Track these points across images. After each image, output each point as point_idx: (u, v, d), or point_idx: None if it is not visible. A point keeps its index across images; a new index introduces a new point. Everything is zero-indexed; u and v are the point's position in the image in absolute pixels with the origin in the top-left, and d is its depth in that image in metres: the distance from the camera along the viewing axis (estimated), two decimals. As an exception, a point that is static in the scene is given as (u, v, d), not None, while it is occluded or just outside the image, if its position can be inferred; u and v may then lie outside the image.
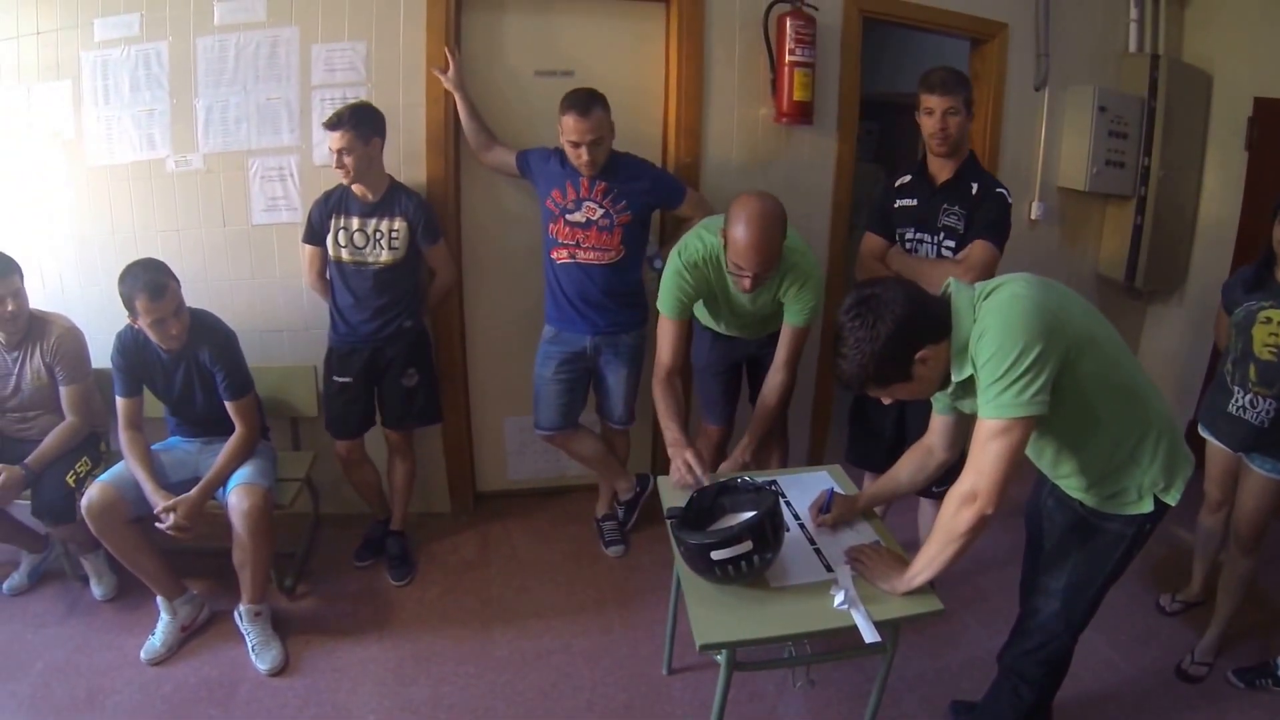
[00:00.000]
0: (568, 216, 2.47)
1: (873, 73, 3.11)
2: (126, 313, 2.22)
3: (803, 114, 2.82)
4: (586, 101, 2.31)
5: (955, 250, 2.26)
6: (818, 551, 1.69)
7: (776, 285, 2.15)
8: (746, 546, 1.51)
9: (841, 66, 2.89)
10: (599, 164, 2.40)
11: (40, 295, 2.56)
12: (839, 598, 1.54)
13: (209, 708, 2.22)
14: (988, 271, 2.15)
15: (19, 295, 2.43)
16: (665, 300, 2.20)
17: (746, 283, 1.99)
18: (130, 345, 2.33)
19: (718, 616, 1.52)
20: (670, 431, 2.09)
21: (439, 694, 2.21)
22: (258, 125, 2.62)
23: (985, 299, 1.42)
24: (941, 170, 2.29)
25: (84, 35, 2.68)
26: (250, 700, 2.23)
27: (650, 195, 2.51)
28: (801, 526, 1.79)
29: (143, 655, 2.37)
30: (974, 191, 2.24)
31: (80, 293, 2.74)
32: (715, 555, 1.52)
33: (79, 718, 2.22)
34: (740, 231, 1.92)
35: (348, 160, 2.33)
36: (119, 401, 2.35)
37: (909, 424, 2.34)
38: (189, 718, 2.19)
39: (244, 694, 2.25)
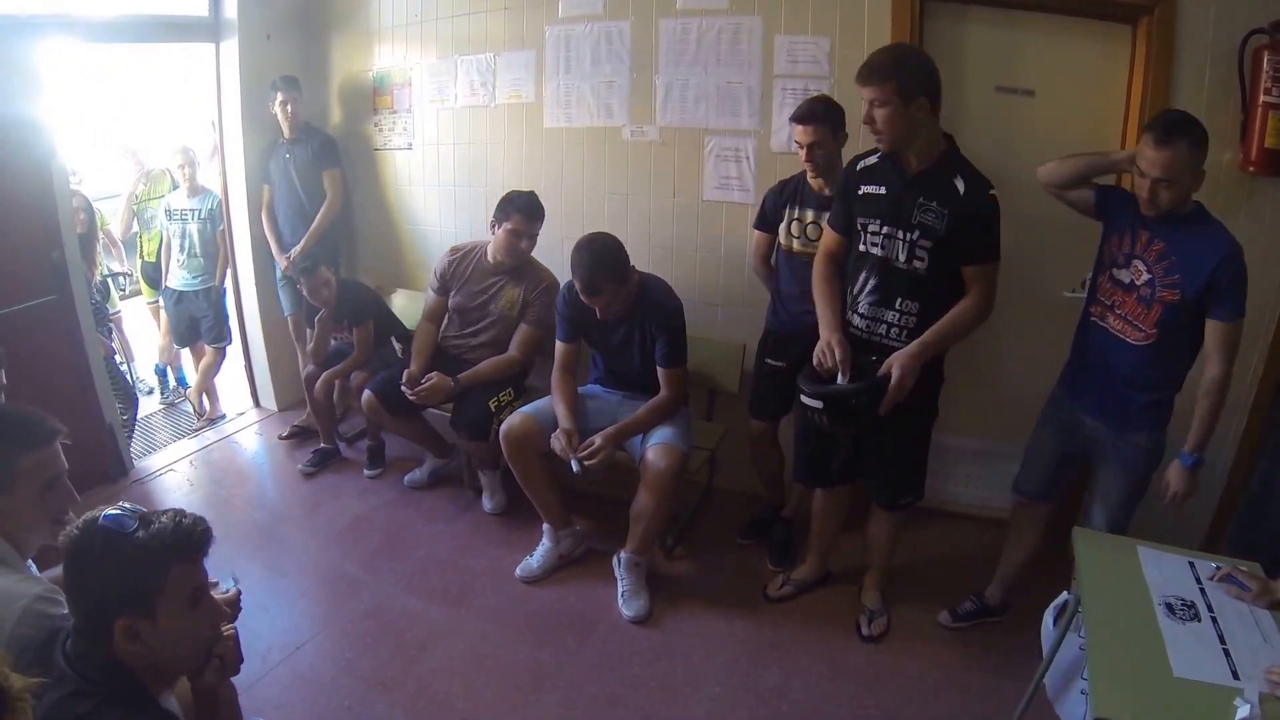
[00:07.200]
0: (1114, 271, 2.03)
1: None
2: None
3: (1273, 164, 2.47)
4: (1168, 128, 1.82)
5: (930, 252, 1.97)
6: (1227, 653, 1.58)
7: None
8: (818, 404, 1.96)
9: (1327, 113, 2.49)
10: (1162, 207, 1.88)
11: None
12: (1241, 712, 1.41)
13: (566, 634, 2.41)
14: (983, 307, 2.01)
15: (534, 240, 2.76)
16: None
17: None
18: (576, 297, 2.53)
19: (1120, 689, 1.49)
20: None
21: (787, 685, 2.22)
22: (716, 106, 2.74)
23: None
24: (914, 159, 1.99)
25: (548, 11, 2.99)
26: (606, 639, 2.39)
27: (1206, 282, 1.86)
28: (1214, 620, 1.66)
29: (518, 572, 2.62)
30: (961, 190, 1.94)
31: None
32: (804, 398, 1.98)
33: (447, 606, 2.51)
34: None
35: (817, 155, 2.35)
36: (559, 345, 2.58)
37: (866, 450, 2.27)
38: (546, 637, 2.39)
39: (601, 631, 2.42)
